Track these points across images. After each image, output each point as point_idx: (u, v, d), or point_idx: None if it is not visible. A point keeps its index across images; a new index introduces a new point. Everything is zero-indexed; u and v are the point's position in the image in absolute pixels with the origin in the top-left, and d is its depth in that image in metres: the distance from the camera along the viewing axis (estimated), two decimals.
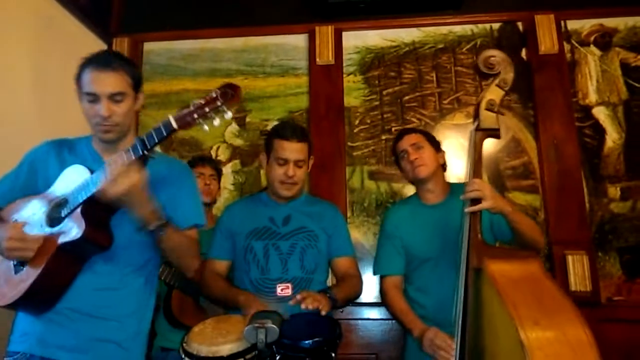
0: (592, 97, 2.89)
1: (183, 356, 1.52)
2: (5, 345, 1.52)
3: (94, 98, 1.46)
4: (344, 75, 3.05)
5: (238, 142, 3.05)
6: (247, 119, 3.08)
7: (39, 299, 1.42)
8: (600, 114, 2.87)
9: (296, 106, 3.06)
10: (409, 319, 1.92)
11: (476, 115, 1.72)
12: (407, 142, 2.09)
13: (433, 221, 2.01)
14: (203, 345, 1.51)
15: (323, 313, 1.64)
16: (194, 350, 1.50)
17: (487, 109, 1.69)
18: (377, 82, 3.05)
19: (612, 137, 2.83)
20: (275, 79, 3.12)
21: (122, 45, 3.13)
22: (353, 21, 3.10)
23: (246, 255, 1.93)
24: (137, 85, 1.55)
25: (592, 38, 2.95)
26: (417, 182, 2.11)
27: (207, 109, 1.32)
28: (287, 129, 2.00)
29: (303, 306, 1.63)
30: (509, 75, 1.70)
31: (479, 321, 1.50)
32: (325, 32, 3.06)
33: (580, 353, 1.22)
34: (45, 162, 1.56)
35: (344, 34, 3.10)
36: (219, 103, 1.32)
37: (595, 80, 2.91)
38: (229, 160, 3.02)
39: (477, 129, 1.70)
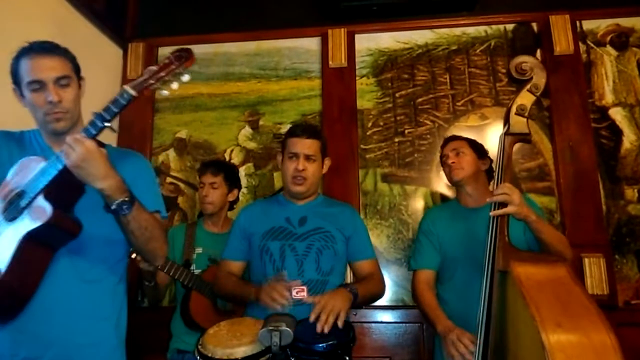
0: (609, 98, 2.86)
1: (198, 358, 1.53)
2: None
3: (40, 86, 1.39)
4: (357, 78, 3.06)
5: (251, 145, 3.07)
6: (260, 122, 3.09)
7: (5, 304, 1.30)
8: (617, 114, 2.83)
9: (309, 109, 3.07)
10: (435, 314, 1.92)
11: (506, 120, 1.73)
12: (449, 148, 2.16)
13: (469, 223, 2.02)
14: (218, 347, 1.52)
15: (340, 324, 1.62)
16: (209, 353, 1.51)
17: (518, 114, 1.70)
18: (390, 84, 3.05)
19: (629, 139, 2.79)
20: (288, 82, 3.14)
21: (137, 50, 3.17)
22: (365, 24, 3.10)
23: (262, 256, 1.93)
24: (77, 71, 1.50)
25: (608, 38, 2.92)
26: (455, 185, 2.17)
27: (162, 74, 1.32)
28: (298, 127, 2.07)
29: (319, 329, 1.60)
30: (541, 80, 1.71)
31: (503, 323, 1.51)
32: (337, 35, 3.06)
33: (605, 357, 1.21)
34: None
35: (357, 36, 3.10)
36: (174, 67, 1.32)
37: (611, 81, 2.87)
38: (243, 163, 3.03)
39: (507, 133, 1.72)
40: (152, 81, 1.31)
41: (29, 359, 1.34)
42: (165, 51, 3.25)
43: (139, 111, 3.08)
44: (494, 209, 1.66)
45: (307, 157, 1.97)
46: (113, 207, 1.32)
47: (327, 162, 2.09)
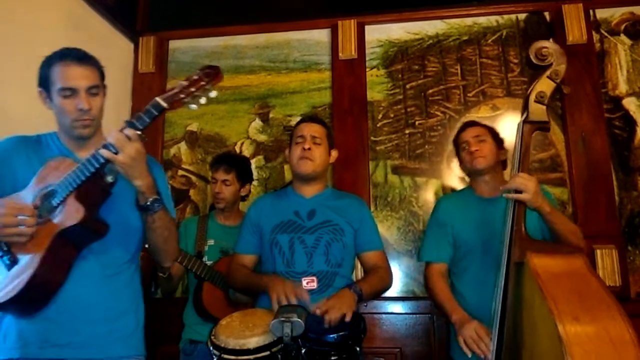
0: (622, 88, 2.82)
1: (211, 349, 1.56)
2: None
3: (71, 93, 1.45)
4: (367, 70, 3.05)
5: (262, 137, 3.08)
6: (271, 115, 3.10)
7: (34, 296, 1.37)
8: (631, 104, 2.80)
9: (319, 101, 3.07)
10: (450, 305, 1.90)
11: (525, 107, 1.69)
12: (470, 134, 2.08)
13: (485, 214, 1.99)
14: (230, 338, 1.54)
15: (347, 319, 1.63)
16: (221, 343, 1.54)
17: (537, 101, 1.66)
18: (400, 75, 3.04)
19: None
20: (298, 74, 3.14)
21: (148, 43, 3.19)
22: (375, 15, 3.09)
23: (272, 249, 1.95)
24: (103, 79, 1.56)
25: (622, 27, 2.88)
26: (474, 173, 2.09)
27: (192, 89, 1.36)
28: (305, 116, 2.18)
29: (327, 321, 1.61)
30: (561, 66, 1.67)
31: (518, 315, 1.49)
32: (347, 27, 3.05)
33: (623, 351, 1.20)
34: (10, 161, 1.51)
35: (367, 27, 3.09)
36: (203, 83, 1.36)
37: (625, 71, 2.83)
38: (253, 156, 3.05)
39: (526, 121, 1.67)
40: (182, 95, 1.35)
41: (57, 346, 1.41)
42: (176, 45, 3.27)
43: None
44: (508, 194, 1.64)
45: (314, 138, 2.00)
46: (147, 204, 1.42)
47: (334, 154, 2.09)
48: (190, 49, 3.25)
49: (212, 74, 1.37)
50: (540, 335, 1.37)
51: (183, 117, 3.16)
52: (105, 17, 2.93)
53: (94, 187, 1.39)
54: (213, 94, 1.38)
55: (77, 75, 1.46)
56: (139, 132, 1.35)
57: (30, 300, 1.38)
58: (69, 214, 1.36)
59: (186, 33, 3.25)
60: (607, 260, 2.56)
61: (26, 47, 2.31)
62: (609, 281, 2.53)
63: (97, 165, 1.34)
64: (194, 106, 1.38)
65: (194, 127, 3.15)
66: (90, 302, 1.45)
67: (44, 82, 1.49)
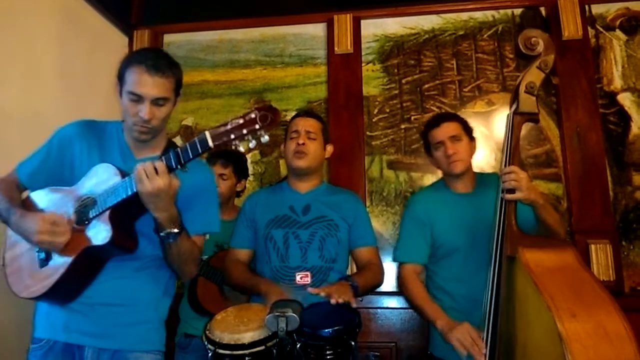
0: (617, 83, 2.82)
1: (206, 343, 1.56)
2: (22, 333, 1.51)
3: (138, 98, 1.46)
4: (363, 64, 3.04)
5: None
6: None
7: (62, 294, 1.47)
8: (626, 100, 2.80)
9: (315, 96, 3.06)
10: (433, 309, 1.85)
11: (515, 98, 1.67)
12: (444, 134, 1.97)
13: (464, 210, 1.97)
14: (225, 332, 1.54)
15: (354, 305, 1.65)
16: (216, 338, 1.54)
17: (527, 92, 1.64)
18: (396, 70, 3.03)
19: (638, 124, 2.76)
20: (294, 68, 3.13)
21: (142, 37, 3.17)
22: (371, 9, 3.08)
23: (266, 244, 1.95)
24: (178, 89, 1.56)
25: (617, 22, 2.88)
26: (450, 176, 2.04)
27: (244, 131, 1.29)
28: (300, 111, 2.16)
29: (333, 301, 1.63)
30: (550, 56, 1.65)
31: (511, 310, 1.49)
32: (343, 21, 3.04)
33: (619, 346, 1.22)
34: (72, 146, 1.56)
35: (363, 22, 3.08)
36: (257, 126, 1.28)
37: (620, 66, 2.84)
38: (248, 150, 3.03)
39: (516, 112, 1.65)
40: (232, 136, 1.29)
41: (79, 332, 1.48)
42: (170, 38, 3.25)
43: None
44: (502, 193, 1.62)
45: (308, 133, 2.00)
46: (162, 234, 1.42)
47: (330, 148, 2.09)
48: (185, 42, 3.23)
49: (269, 118, 1.28)
50: (533, 330, 1.37)
51: (178, 111, 3.14)
52: (99, 11, 2.91)
53: (133, 202, 1.38)
54: (265, 139, 1.30)
55: (148, 84, 1.45)
56: (180, 169, 1.34)
57: (57, 296, 1.48)
58: (99, 233, 1.40)
59: (181, 27, 3.23)
60: (601, 255, 2.57)
61: (19, 40, 2.29)
62: (603, 276, 2.54)
63: (129, 193, 1.36)
64: (241, 148, 1.32)
65: (189, 121, 3.14)
66: (113, 295, 1.50)
67: (121, 78, 1.50)
